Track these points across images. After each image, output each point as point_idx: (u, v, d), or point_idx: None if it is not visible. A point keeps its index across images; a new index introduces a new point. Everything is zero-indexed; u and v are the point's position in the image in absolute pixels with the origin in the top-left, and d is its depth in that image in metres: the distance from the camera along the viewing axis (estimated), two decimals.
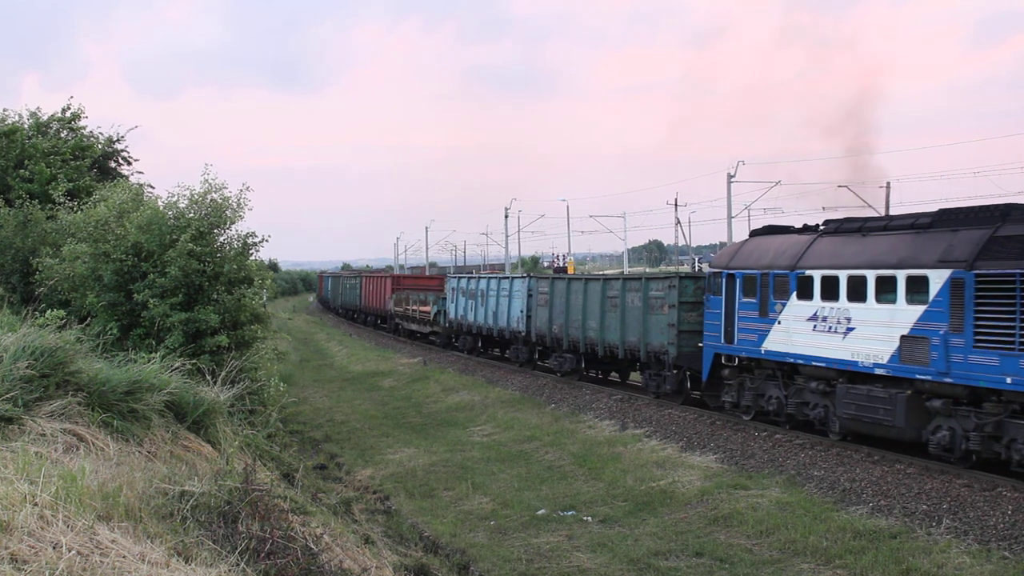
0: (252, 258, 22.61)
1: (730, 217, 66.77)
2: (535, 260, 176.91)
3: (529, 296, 38.33)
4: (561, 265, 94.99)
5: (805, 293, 22.61)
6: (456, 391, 37.05)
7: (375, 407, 35.63)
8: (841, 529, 16.56)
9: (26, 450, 8.17)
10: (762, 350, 23.97)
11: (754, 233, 26.73)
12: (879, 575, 14.54)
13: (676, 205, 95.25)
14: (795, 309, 22.90)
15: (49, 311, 13.45)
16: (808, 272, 22.51)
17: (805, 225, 25.08)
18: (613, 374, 36.17)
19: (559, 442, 25.93)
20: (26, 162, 28.58)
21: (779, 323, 23.36)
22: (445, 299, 50.57)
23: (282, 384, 22.55)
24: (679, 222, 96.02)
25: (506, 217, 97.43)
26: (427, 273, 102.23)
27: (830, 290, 21.86)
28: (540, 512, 19.33)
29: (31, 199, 25.40)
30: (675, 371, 28.32)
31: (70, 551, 6.28)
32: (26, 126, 31.11)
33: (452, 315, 48.49)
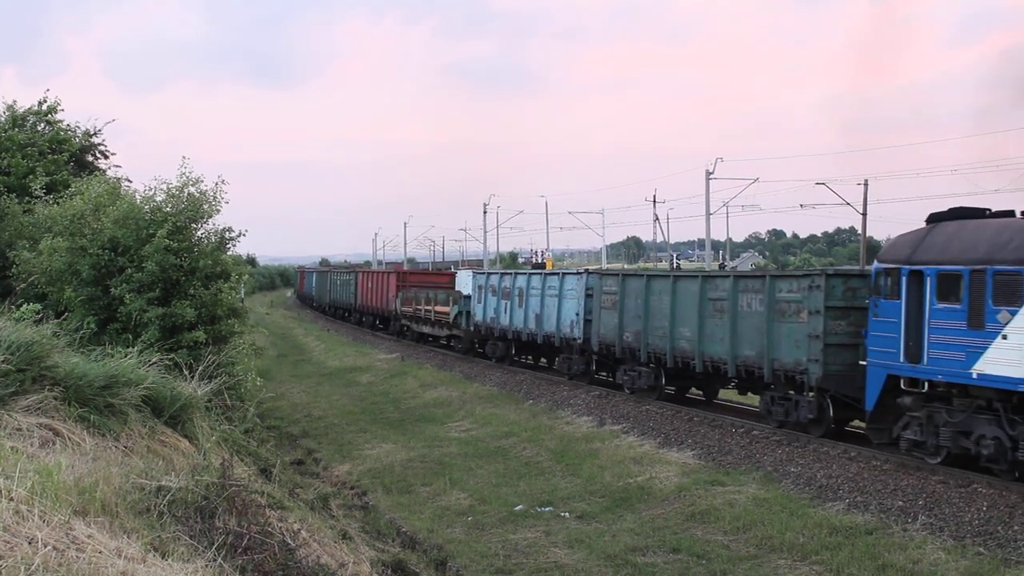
0: (229, 252, 22.54)
1: (708, 214, 67.02)
2: (514, 256, 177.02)
3: (588, 296, 32.25)
4: (539, 261, 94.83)
5: None
6: (434, 387, 37.04)
7: (353, 402, 35.59)
8: (817, 525, 16.64)
9: (2, 444, 8.12)
10: (973, 373, 18.08)
11: (936, 218, 20.44)
12: (855, 571, 14.62)
13: (654, 202, 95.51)
14: None
15: (25, 305, 13.39)
16: None
17: None
18: (693, 390, 30.24)
19: (537, 438, 25.96)
20: (2, 155, 28.38)
21: (1004, 337, 17.57)
22: (469, 298, 43.85)
23: (259, 379, 22.50)
24: (657, 219, 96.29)
25: (485, 213, 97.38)
26: (404, 268, 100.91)
27: None
28: (517, 508, 19.36)
29: (8, 192, 25.23)
30: (814, 395, 22.27)
31: (46, 546, 6.24)
32: (2, 119, 30.89)
33: (479, 317, 41.73)
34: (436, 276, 66.97)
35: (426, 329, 51.50)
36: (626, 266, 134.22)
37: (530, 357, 41.39)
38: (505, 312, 38.96)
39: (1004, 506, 16.59)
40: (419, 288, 55.68)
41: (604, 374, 33.45)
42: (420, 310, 51.67)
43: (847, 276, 22.61)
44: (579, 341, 32.81)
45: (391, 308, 58.50)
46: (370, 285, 65.90)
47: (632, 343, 29.14)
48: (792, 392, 23.12)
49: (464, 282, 49.98)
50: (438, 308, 48.79)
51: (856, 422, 22.83)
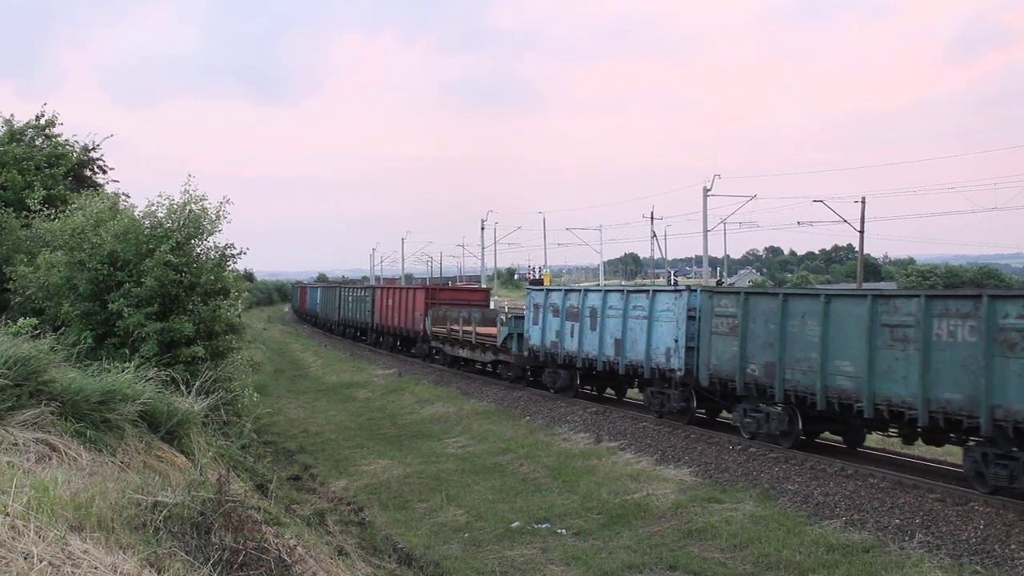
0: (229, 269, 22.58)
1: (706, 231, 67.14)
2: (511, 272, 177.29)
3: (690, 319, 26.85)
4: (537, 277, 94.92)
5: None
6: (431, 403, 37.00)
7: (350, 418, 35.55)
8: (814, 543, 16.61)
9: None
10: None
11: None
12: None
13: (652, 218, 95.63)
14: None
15: (22, 319, 13.39)
16: None
17: None
18: (826, 435, 24.72)
19: (534, 454, 25.92)
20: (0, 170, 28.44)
21: None
22: (522, 319, 37.88)
23: (256, 395, 22.49)
24: (655, 235, 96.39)
25: (482, 229, 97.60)
26: (401, 284, 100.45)
27: None
28: (514, 524, 19.32)
29: (5, 207, 25.28)
30: None
31: (41, 562, 6.24)
32: (0, 133, 30.95)
33: (536, 340, 35.70)
34: (469, 292, 59.84)
35: (463, 353, 45.18)
36: (623, 282, 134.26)
37: (592, 387, 35.63)
38: (571, 336, 33.20)
39: (1001, 524, 16.58)
40: (451, 306, 49.95)
41: (703, 411, 28.41)
42: (456, 331, 45.48)
43: None
44: (679, 373, 27.17)
45: (418, 328, 52.91)
46: (391, 302, 59.42)
47: (760, 378, 23.73)
48: (1017, 449, 17.86)
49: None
50: (480, 329, 43.03)
51: None
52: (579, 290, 34.18)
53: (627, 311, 29.92)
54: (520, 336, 37.70)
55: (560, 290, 35.45)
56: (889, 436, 22.17)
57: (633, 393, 33.87)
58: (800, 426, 23.10)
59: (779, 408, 23.47)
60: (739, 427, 25.21)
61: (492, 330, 41.52)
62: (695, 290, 27.73)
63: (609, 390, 35.26)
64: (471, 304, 51.05)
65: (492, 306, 49.88)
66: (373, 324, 64.23)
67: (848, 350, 20.91)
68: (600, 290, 32.68)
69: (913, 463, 22.28)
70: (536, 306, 35.89)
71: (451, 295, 56.10)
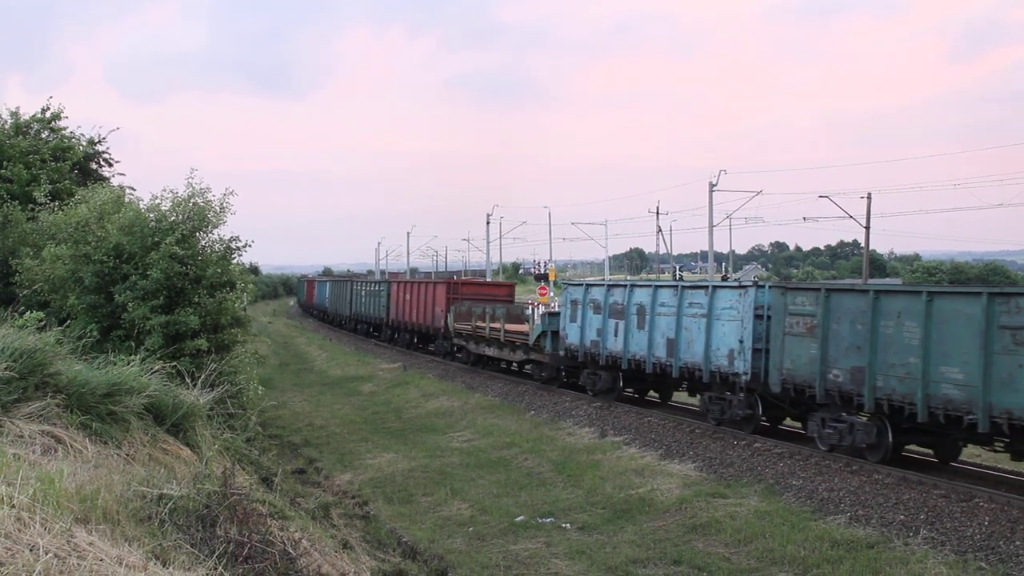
0: (235, 262, 22.61)
1: (711, 226, 67.10)
2: (516, 267, 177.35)
3: (757, 317, 24.20)
4: (542, 272, 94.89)
5: None
6: (436, 397, 37.02)
7: (354, 412, 35.59)
8: (819, 538, 16.61)
9: (4, 452, 8.12)
10: None
11: None
12: None
13: (657, 213, 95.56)
14: None
15: (28, 312, 13.41)
16: None
17: None
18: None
19: (538, 449, 25.93)
20: (4, 163, 28.45)
21: None
22: (557, 316, 34.85)
23: (261, 388, 22.53)
24: (660, 230, 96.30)
25: (488, 223, 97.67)
26: (407, 278, 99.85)
27: None
28: (519, 519, 19.33)
29: (11, 200, 25.29)
30: None
31: (47, 554, 6.24)
32: (7, 126, 30.96)
33: (574, 339, 32.78)
34: (493, 287, 55.56)
35: (491, 351, 42.13)
36: (628, 277, 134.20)
37: (633, 390, 32.88)
38: (615, 334, 30.43)
39: (1006, 521, 16.57)
40: (475, 301, 46.99)
41: (765, 419, 25.54)
42: (482, 328, 42.33)
43: None
44: (744, 377, 24.46)
45: (438, 325, 50.10)
46: (408, 297, 56.18)
47: (845, 384, 21.00)
48: None
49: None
50: (509, 326, 39.93)
51: None
52: (624, 285, 31.16)
53: (681, 308, 27.16)
54: (555, 334, 34.74)
55: (602, 285, 32.76)
56: (996, 451, 19.83)
57: (680, 396, 32.26)
58: (891, 438, 20.64)
59: (865, 418, 21.12)
60: (815, 438, 22.59)
61: (522, 327, 39.27)
62: (763, 286, 25.06)
63: (652, 393, 32.90)
64: (496, 299, 48.33)
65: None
66: (388, 320, 61.06)
67: (957, 355, 18.30)
68: (649, 285, 29.85)
69: (916, 460, 22.07)
70: (574, 302, 32.97)
71: (474, 289, 52.45)
